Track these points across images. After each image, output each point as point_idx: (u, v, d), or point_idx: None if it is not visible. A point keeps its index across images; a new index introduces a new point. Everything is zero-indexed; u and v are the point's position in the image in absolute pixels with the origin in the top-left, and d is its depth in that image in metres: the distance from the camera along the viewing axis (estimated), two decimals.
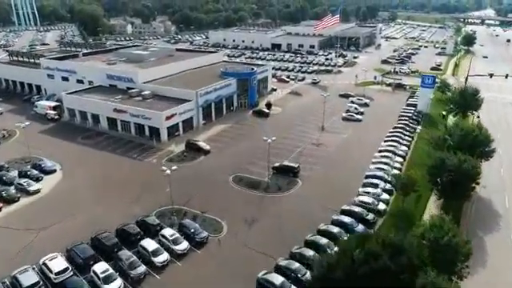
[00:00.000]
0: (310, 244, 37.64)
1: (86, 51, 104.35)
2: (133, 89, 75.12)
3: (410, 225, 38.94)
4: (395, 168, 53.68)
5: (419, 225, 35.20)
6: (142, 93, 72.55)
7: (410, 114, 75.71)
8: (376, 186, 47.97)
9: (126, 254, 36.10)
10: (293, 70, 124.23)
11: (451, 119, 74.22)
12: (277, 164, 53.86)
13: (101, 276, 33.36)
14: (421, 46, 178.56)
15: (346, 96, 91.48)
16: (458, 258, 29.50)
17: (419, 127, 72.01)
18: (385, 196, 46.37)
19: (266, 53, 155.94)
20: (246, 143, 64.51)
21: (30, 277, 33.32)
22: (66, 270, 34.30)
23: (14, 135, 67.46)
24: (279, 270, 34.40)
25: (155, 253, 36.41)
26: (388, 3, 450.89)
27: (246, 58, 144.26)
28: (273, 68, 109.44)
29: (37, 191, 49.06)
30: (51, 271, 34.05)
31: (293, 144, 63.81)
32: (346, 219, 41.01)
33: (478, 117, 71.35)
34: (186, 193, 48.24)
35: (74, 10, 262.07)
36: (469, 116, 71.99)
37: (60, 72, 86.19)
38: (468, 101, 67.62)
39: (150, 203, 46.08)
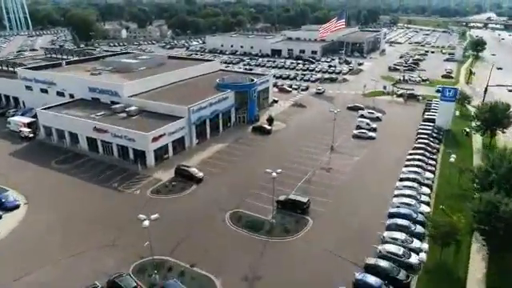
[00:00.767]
0: None
1: (70, 59, 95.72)
2: (117, 103, 66.67)
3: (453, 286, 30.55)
4: (423, 202, 45.13)
5: None
6: (128, 108, 63.94)
7: (429, 131, 67.27)
8: (404, 228, 39.44)
9: None
10: (295, 78, 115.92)
11: (477, 138, 65.77)
12: (282, 197, 45.31)
13: None
14: (427, 52, 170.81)
15: (355, 109, 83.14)
16: None
17: (441, 147, 63.63)
18: (416, 243, 37.77)
19: (266, 59, 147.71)
20: (246, 168, 55.97)
21: None
22: None
23: None
24: None
25: None
26: (388, 7, 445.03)
27: (244, 65, 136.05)
28: (273, 76, 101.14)
29: None
30: None
31: (299, 169, 55.30)
32: (372, 280, 32.37)
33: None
34: (173, 236, 39.80)
35: (67, 15, 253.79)
36: (497, 135, 63.57)
37: (38, 83, 77.63)
38: (499, 118, 59.18)
39: (127, 252, 37.43)
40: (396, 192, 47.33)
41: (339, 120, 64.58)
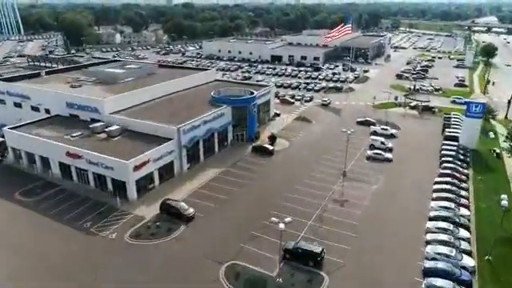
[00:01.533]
0: None
1: (51, 69, 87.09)
2: (98, 121, 58.11)
3: None
4: (464, 252, 36.58)
5: None
6: (108, 128, 55.28)
7: (454, 153, 58.85)
8: None
9: None
10: (297, 87, 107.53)
11: (510, 161, 57.33)
12: (290, 245, 36.70)
13: None
14: (434, 58, 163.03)
15: (367, 123, 74.78)
16: None
17: (470, 171, 55.18)
18: None
19: (266, 66, 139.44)
20: (245, 202, 47.30)
21: None
22: None
23: None
24: None
25: None
26: (387, 10, 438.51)
27: (242, 72, 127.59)
28: (274, 85, 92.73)
29: None
30: None
31: (307, 202, 46.72)
32: None
33: None
34: None
35: (59, 18, 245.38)
36: None
37: (12, 97, 69.01)
38: None
39: None
40: (428, 237, 38.76)
41: (350, 137, 56.15)
